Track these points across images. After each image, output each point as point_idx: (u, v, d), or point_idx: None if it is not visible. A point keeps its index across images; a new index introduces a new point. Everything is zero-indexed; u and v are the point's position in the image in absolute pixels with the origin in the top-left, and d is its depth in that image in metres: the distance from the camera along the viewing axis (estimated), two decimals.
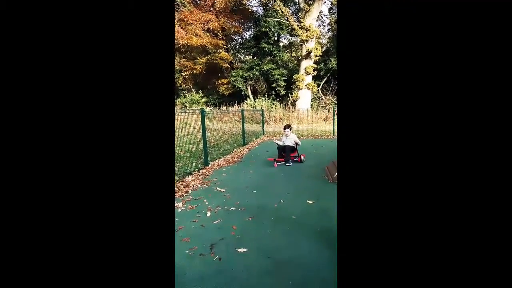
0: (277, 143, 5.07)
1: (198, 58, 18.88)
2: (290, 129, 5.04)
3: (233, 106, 16.84)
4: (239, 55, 21.93)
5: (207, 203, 2.97)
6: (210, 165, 4.92)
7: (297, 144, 4.98)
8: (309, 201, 2.88)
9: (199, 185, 3.69)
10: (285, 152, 4.75)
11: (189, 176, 4.16)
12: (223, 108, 16.60)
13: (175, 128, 4.96)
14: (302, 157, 5.00)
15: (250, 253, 1.88)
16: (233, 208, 2.77)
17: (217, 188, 3.53)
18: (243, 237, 2.14)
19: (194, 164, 4.84)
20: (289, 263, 1.74)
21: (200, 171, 4.52)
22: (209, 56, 18.87)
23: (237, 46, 22.16)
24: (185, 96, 18.18)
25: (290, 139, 4.97)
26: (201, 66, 18.72)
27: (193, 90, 18.77)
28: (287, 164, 4.74)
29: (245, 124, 7.63)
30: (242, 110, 7.51)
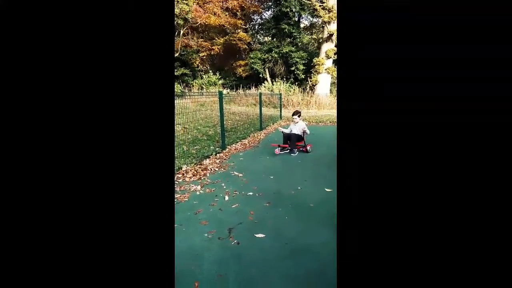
0: (283, 132, 4.72)
1: (216, 39, 18.63)
2: (299, 116, 4.64)
3: (250, 89, 16.69)
4: (258, 36, 21.45)
5: (224, 187, 3.02)
6: (227, 149, 4.97)
7: (304, 132, 4.61)
8: (327, 189, 2.86)
9: (216, 169, 3.75)
10: (291, 141, 4.44)
11: (207, 159, 4.22)
12: (240, 91, 16.50)
13: (192, 110, 4.99)
14: (308, 147, 4.61)
15: (267, 239, 1.92)
16: (250, 193, 2.81)
17: (235, 172, 3.57)
18: (260, 222, 2.17)
19: (211, 147, 4.89)
20: (306, 250, 1.76)
21: (218, 155, 4.57)
22: (227, 36, 18.57)
23: (256, 27, 21.65)
24: (202, 78, 18.17)
25: (298, 127, 4.61)
26: (218, 46, 18.50)
27: (210, 71, 18.69)
28: (291, 154, 4.45)
29: (262, 108, 7.56)
30: (260, 94, 7.43)
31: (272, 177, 3.35)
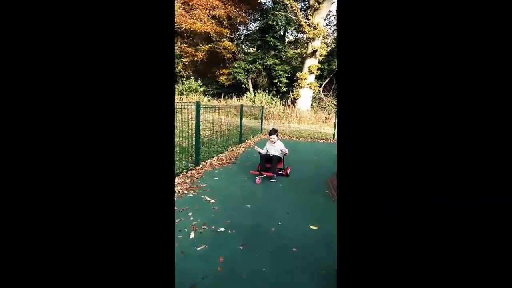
0: (259, 152, 4.04)
1: (201, 45, 18.20)
2: (277, 135, 4.07)
3: (232, 98, 16.30)
4: (243, 47, 21.28)
5: (192, 218, 2.52)
6: (201, 165, 4.46)
7: (284, 154, 3.97)
8: (312, 227, 2.46)
9: (185, 191, 3.24)
10: (272, 164, 3.81)
11: (176, 177, 3.70)
12: (222, 99, 16.04)
13: None
14: (288, 170, 4.11)
15: None
16: (222, 229, 2.33)
17: (206, 197, 3.08)
18: (230, 275, 1.71)
19: (183, 162, 4.37)
20: None
21: (190, 171, 4.06)
22: (212, 44, 18.20)
23: (242, 37, 21.51)
24: (183, 83, 17.54)
25: (276, 148, 4.02)
26: (202, 53, 18.05)
27: (192, 77, 18.12)
28: (271, 180, 3.80)
29: (243, 118, 7.15)
30: (242, 106, 7.03)
31: (249, 205, 2.90)
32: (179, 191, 3.21)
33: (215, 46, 18.00)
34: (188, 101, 13.16)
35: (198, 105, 4.25)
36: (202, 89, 17.66)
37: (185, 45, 17.92)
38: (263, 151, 4.10)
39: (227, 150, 5.88)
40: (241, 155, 5.75)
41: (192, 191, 3.25)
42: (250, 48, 20.35)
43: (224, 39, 18.49)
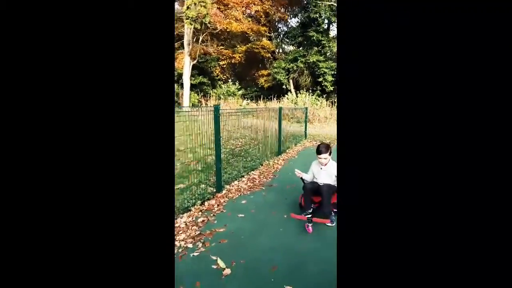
0: (303, 179, 2.63)
1: (238, 46, 17.42)
2: (330, 154, 2.50)
3: (271, 100, 15.12)
4: (283, 45, 20.00)
5: None
6: (224, 191, 3.31)
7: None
8: None
9: (190, 244, 2.10)
10: (323, 197, 2.36)
11: (185, 215, 2.59)
12: (260, 102, 14.97)
13: (182, 128, 3.48)
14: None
15: None
16: None
17: (218, 260, 1.89)
18: None
19: (202, 187, 3.27)
20: None
21: (206, 203, 2.93)
22: (249, 44, 17.31)
23: (281, 35, 20.24)
24: (220, 87, 16.91)
25: (328, 172, 2.54)
26: (240, 55, 17.25)
27: (229, 80, 17.42)
28: (328, 224, 2.38)
29: (283, 122, 5.89)
30: (280, 109, 5.77)
31: None
32: (180, 246, 2.07)
33: (253, 46, 17.07)
34: (217, 106, 12.30)
35: (217, 110, 3.11)
36: (240, 92, 16.83)
37: (222, 47, 17.30)
38: (308, 177, 2.69)
39: (261, 165, 4.67)
40: (280, 171, 4.49)
41: (199, 244, 2.10)
42: (291, 46, 18.99)
43: (262, 38, 17.47)
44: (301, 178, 2.64)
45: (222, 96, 15.86)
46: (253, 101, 16.14)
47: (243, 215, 2.68)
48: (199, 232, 2.29)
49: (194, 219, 2.55)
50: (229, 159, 4.69)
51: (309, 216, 2.33)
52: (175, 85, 15.78)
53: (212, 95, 15.54)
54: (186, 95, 13.74)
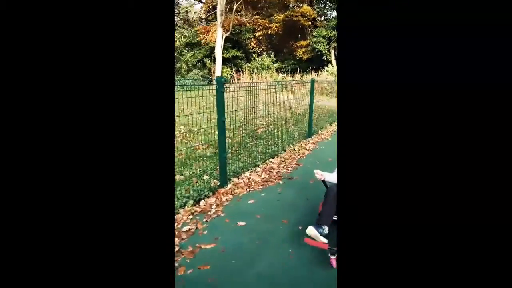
0: (324, 180, 1.89)
1: (275, 15, 16.05)
2: None
3: (309, 73, 13.83)
4: (325, 11, 17.99)
5: None
6: (230, 185, 2.70)
7: None
8: None
9: None
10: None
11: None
12: (297, 75, 13.78)
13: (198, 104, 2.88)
14: None
15: None
16: None
17: None
18: None
19: (202, 180, 2.69)
20: None
21: (203, 201, 2.36)
22: (288, 11, 15.81)
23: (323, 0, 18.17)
24: (255, 60, 15.95)
25: None
26: (277, 24, 15.91)
27: (264, 53, 16.32)
28: None
29: (321, 98, 4.99)
30: (312, 82, 4.84)
31: None
32: None
33: (292, 14, 15.54)
34: (252, 81, 11.45)
35: (220, 83, 2.42)
36: (275, 65, 15.72)
37: (257, 16, 16.09)
38: (333, 178, 1.89)
39: (284, 151, 3.93)
40: (306, 159, 3.72)
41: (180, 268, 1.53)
42: (334, 12, 16.98)
43: (303, 4, 15.80)
44: (323, 181, 1.86)
45: (256, 70, 14.98)
46: (290, 74, 14.99)
47: (243, 224, 2.05)
48: (177, 249, 1.73)
49: (180, 226, 1.99)
50: (248, 142, 4.04)
51: (332, 247, 1.54)
52: (207, 59, 15.24)
53: (245, 69, 14.74)
54: (218, 70, 13.15)
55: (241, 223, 2.05)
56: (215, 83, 2.43)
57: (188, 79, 12.04)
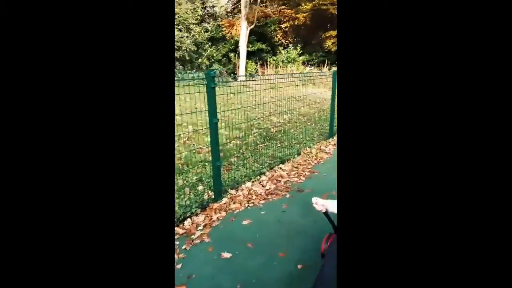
0: (327, 213, 1.33)
1: (302, 4, 15.22)
2: None
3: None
4: None
5: None
6: (225, 199, 2.30)
7: None
8: None
9: None
10: None
11: None
12: (324, 68, 12.95)
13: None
14: None
15: None
16: None
17: None
18: None
19: (195, 191, 2.32)
20: None
21: (191, 219, 1.99)
22: (316, 0, 14.90)
23: None
24: (280, 53, 15.32)
25: None
26: (305, 14, 15.07)
27: (290, 45, 15.61)
28: None
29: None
30: (334, 73, 4.24)
31: None
32: None
33: (320, 2, 14.62)
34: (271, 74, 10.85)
35: (209, 78, 2.01)
36: (302, 58, 14.95)
37: (284, 6, 15.38)
38: (335, 209, 1.28)
39: (298, 154, 3.43)
40: (322, 165, 3.20)
41: None
42: None
43: None
44: (325, 213, 1.35)
45: (281, 64, 14.37)
46: (318, 67, 14.16)
47: (229, 256, 1.64)
48: None
49: None
50: (258, 143, 3.60)
51: None
52: (232, 54, 14.94)
53: (271, 63, 14.19)
54: (242, 65, 12.79)
55: (226, 255, 1.64)
56: (204, 77, 2.02)
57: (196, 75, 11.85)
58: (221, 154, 3.23)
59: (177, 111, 3.50)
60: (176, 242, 1.76)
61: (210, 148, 3.13)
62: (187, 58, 13.04)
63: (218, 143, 2.21)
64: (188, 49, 12.88)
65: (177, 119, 4.25)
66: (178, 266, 1.57)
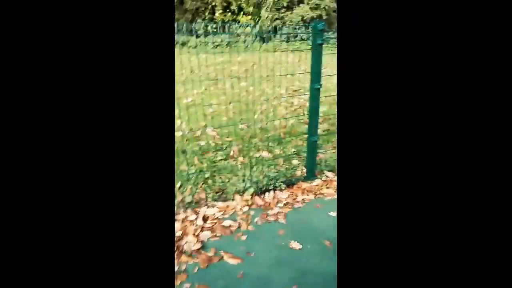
0: None
1: None
2: None
3: None
4: None
5: None
6: (318, 181, 1.99)
7: None
8: None
9: None
10: None
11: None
12: None
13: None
14: None
15: None
16: None
17: None
18: None
19: (290, 165, 2.13)
20: None
21: (274, 193, 1.84)
22: None
23: None
24: None
25: None
26: None
27: None
28: None
29: None
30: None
31: None
32: None
33: None
34: None
35: (316, 30, 1.64)
36: None
37: None
38: None
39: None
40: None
41: None
42: None
43: None
44: None
45: None
46: None
47: (298, 247, 1.40)
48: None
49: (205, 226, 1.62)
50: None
51: None
52: None
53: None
54: None
55: (296, 245, 1.41)
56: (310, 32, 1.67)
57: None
58: (328, 129, 2.84)
59: (277, 72, 3.27)
60: (251, 212, 1.67)
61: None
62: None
63: (318, 114, 1.86)
64: None
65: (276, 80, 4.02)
66: (244, 237, 1.47)
